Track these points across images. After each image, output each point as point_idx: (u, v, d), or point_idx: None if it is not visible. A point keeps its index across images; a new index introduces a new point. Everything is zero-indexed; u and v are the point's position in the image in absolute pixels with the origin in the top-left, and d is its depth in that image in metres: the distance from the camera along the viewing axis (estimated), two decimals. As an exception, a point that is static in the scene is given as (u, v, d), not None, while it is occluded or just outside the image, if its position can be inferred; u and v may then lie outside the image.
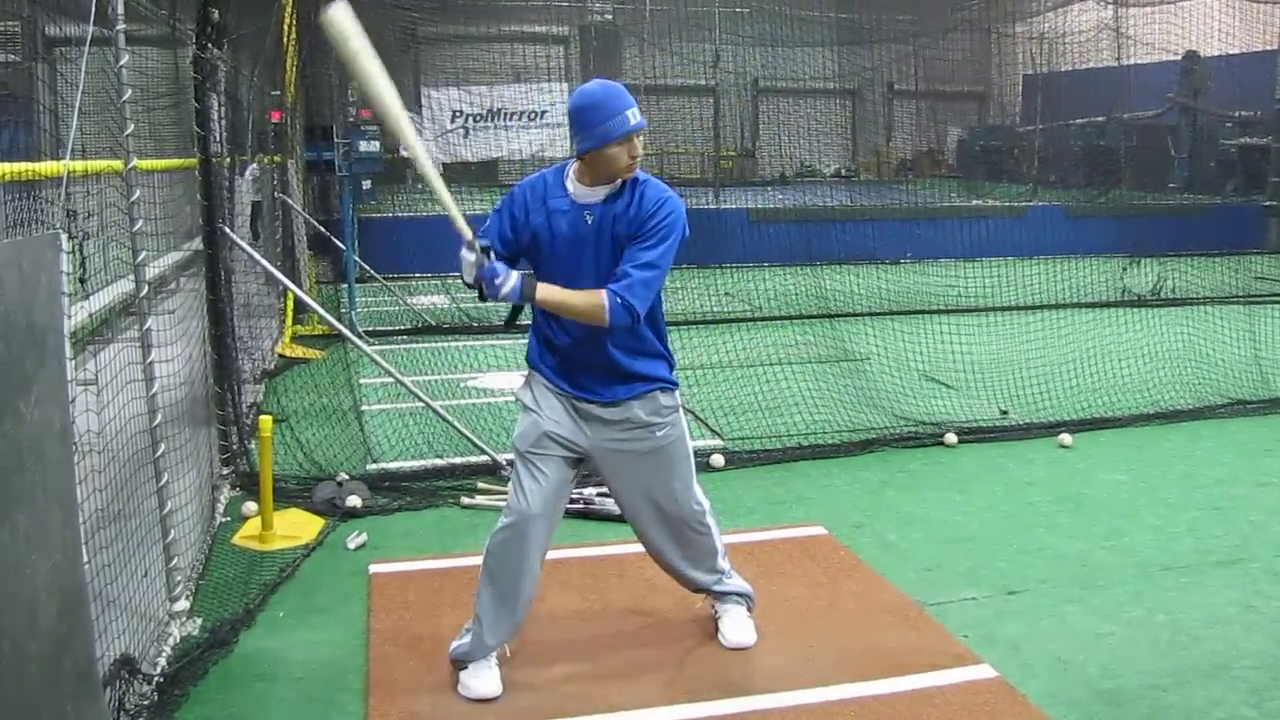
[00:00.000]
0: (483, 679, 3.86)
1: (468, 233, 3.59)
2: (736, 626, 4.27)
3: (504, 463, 6.31)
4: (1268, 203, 18.49)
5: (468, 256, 3.57)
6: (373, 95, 3.51)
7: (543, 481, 3.83)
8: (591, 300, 3.64)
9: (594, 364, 3.84)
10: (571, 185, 3.78)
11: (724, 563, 4.26)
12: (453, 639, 4.04)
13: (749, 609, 4.34)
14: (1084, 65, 21.14)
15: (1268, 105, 19.56)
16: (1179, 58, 20.15)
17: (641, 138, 3.71)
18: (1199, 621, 4.49)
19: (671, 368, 4.01)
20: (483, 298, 3.62)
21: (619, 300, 3.63)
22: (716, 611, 4.33)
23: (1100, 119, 22.19)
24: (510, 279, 3.57)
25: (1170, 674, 4.05)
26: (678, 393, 4.02)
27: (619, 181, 3.74)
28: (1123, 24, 19.54)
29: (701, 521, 4.12)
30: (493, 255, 3.60)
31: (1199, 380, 8.41)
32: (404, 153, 3.62)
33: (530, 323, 3.98)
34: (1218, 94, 20.56)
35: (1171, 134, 21.90)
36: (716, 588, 4.27)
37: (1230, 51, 18.64)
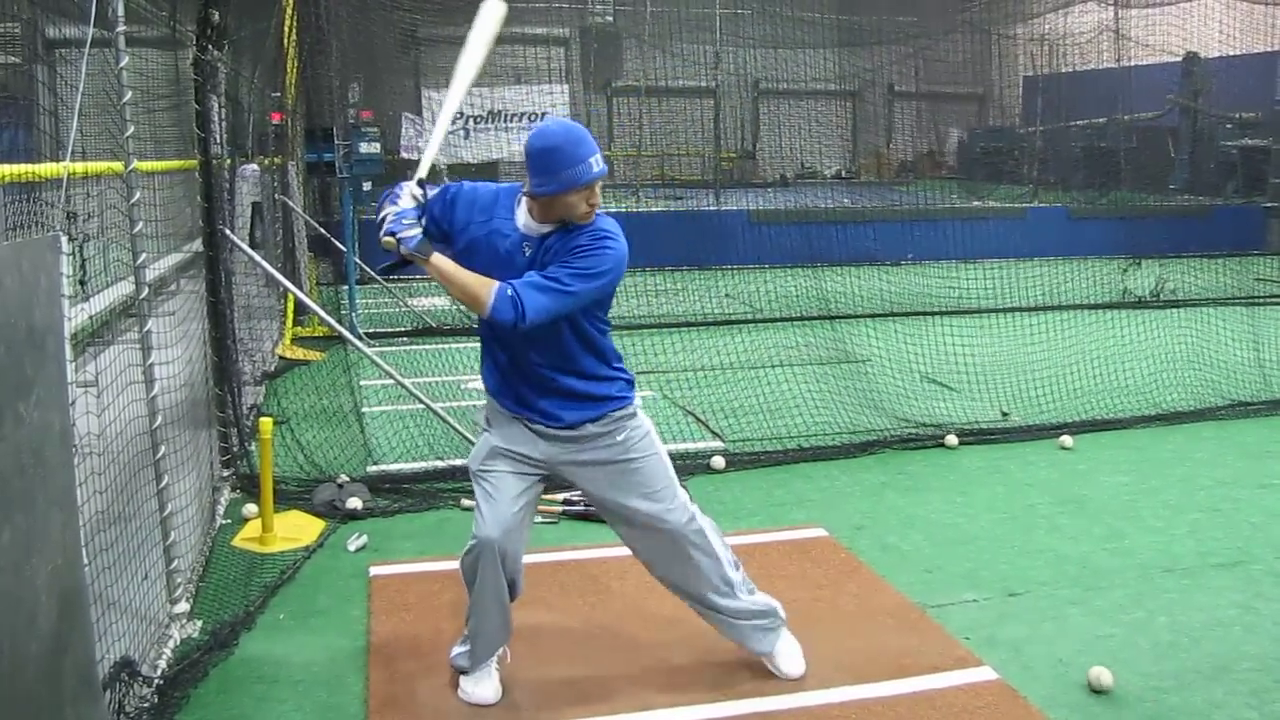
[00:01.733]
0: (483, 684, 3.86)
1: (423, 173, 3.61)
2: (791, 653, 4.04)
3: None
4: (1268, 204, 18.48)
5: (409, 192, 3.56)
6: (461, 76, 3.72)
7: (497, 498, 3.71)
8: (481, 283, 3.48)
9: (536, 382, 3.70)
10: (521, 216, 3.60)
11: (735, 573, 3.95)
12: (453, 643, 4.03)
13: (784, 624, 4.07)
14: (1084, 67, 21.12)
15: (1268, 106, 19.57)
16: (1179, 59, 20.16)
17: (601, 185, 3.54)
18: (1200, 624, 4.48)
19: (630, 384, 3.83)
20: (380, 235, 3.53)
21: (508, 293, 3.43)
22: (761, 652, 4.05)
23: (1101, 120, 22.17)
24: (415, 230, 3.50)
25: (1171, 676, 4.05)
26: (636, 404, 3.85)
27: (564, 225, 3.59)
28: (1123, 25, 19.52)
29: (690, 527, 3.83)
30: (424, 200, 3.61)
31: (1200, 382, 8.41)
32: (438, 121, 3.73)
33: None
34: (1218, 95, 20.55)
35: (1172, 135, 21.89)
36: (737, 605, 3.95)
37: (1231, 53, 18.62)
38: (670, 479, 3.85)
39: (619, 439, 3.77)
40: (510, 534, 3.72)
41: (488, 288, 3.46)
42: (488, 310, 3.46)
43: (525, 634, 4.13)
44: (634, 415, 3.82)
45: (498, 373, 3.78)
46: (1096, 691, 3.92)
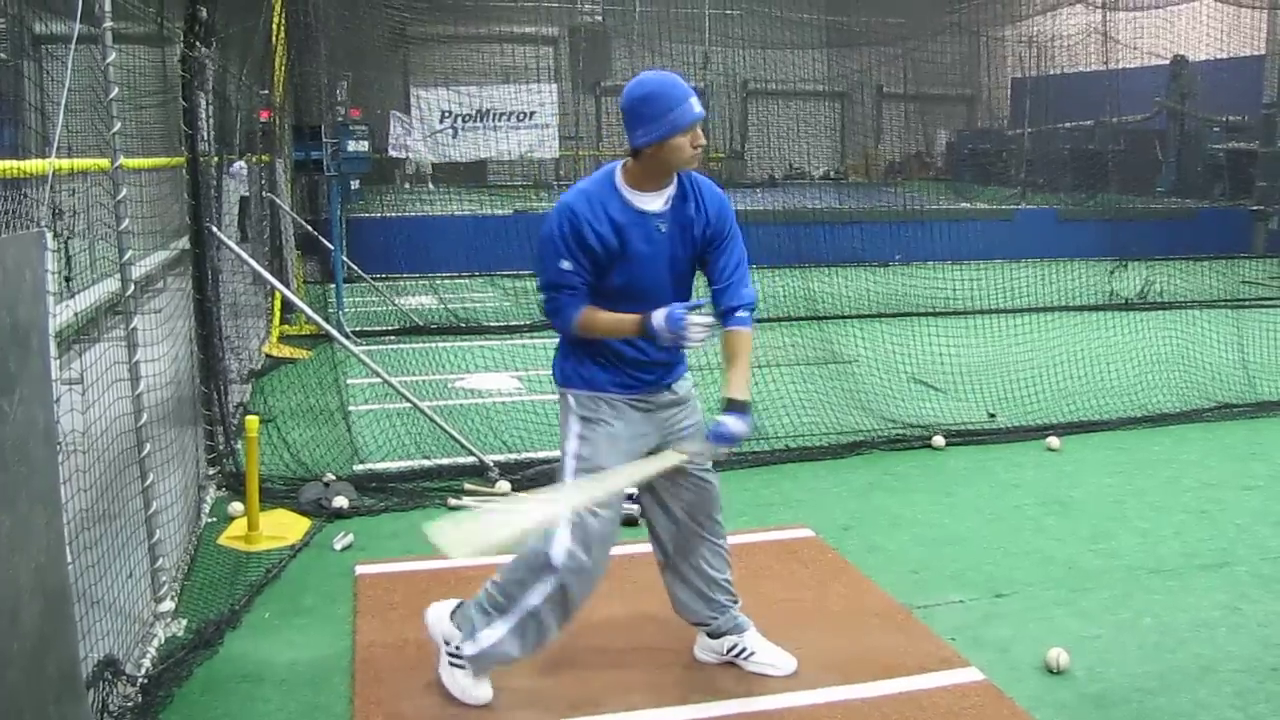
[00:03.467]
0: (483, 684, 3.78)
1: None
2: (769, 648, 4.08)
3: (490, 464, 6.30)
4: (1254, 207, 18.58)
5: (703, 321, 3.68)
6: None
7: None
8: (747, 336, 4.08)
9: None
10: (628, 194, 3.56)
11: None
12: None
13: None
14: (1073, 69, 21.21)
15: (1254, 110, 19.67)
16: (1167, 62, 20.25)
17: (701, 127, 3.55)
18: (1185, 624, 4.50)
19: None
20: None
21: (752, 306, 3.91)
22: (739, 650, 4.08)
23: (1088, 123, 22.27)
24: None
25: (1157, 677, 4.06)
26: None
27: (674, 182, 3.60)
28: (1111, 28, 19.60)
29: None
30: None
31: (1186, 384, 8.44)
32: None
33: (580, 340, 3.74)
34: (1205, 98, 20.67)
35: (1159, 138, 22.01)
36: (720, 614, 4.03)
37: (1218, 56, 18.72)
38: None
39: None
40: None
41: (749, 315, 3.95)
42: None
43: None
44: None
45: (630, 349, 3.81)
46: (1054, 672, 4.04)
